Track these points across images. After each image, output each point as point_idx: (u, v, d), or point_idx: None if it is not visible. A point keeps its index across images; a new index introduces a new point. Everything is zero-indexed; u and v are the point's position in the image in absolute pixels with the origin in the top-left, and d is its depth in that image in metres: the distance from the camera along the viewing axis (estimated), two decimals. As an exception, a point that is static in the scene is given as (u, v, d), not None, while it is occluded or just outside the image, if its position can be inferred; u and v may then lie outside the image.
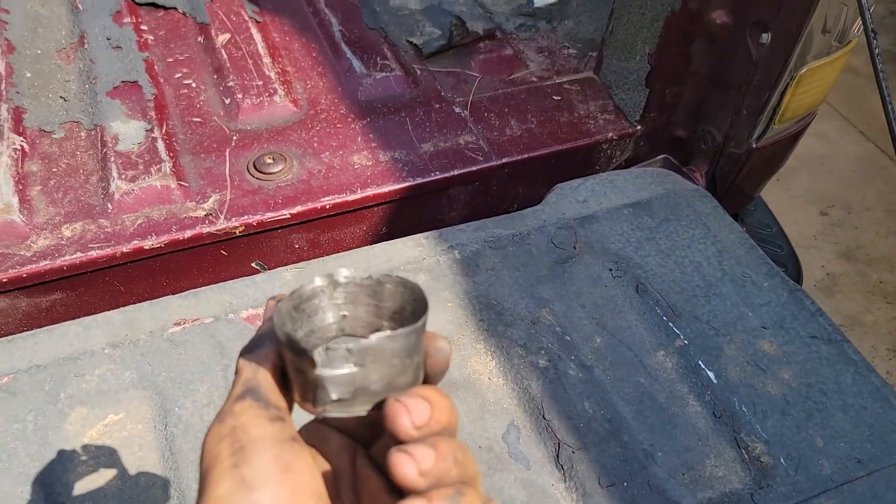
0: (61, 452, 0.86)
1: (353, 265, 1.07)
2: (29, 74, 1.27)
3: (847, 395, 0.96)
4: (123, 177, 1.10)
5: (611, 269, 1.09)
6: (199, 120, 1.23)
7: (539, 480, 0.88)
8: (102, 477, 0.84)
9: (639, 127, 1.29)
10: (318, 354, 0.37)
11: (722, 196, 1.26)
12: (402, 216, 1.21)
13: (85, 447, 0.86)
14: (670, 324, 1.03)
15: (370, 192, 1.14)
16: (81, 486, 0.83)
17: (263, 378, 0.39)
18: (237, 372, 0.40)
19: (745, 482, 0.89)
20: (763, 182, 1.33)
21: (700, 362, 0.99)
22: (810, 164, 3.06)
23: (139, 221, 1.06)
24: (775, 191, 2.94)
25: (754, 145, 1.19)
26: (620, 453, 0.90)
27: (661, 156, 1.34)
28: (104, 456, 0.86)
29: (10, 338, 0.96)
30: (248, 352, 0.41)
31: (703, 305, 1.05)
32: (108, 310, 1.00)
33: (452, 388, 0.95)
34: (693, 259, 1.10)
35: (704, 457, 0.91)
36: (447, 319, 1.02)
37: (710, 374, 0.98)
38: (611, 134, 1.28)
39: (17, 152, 1.13)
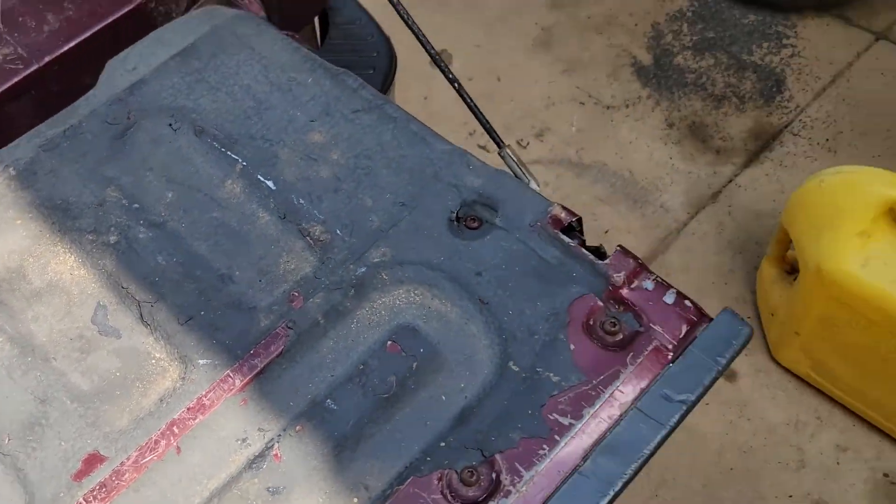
0: None
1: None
2: None
3: (388, 150, 1.04)
4: None
5: (170, 125, 1.10)
6: None
7: (130, 343, 0.93)
8: None
9: (178, -28, 1.27)
10: None
11: (281, 8, 1.27)
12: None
13: None
14: (229, 153, 1.06)
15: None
16: None
17: None
18: None
19: (313, 263, 0.97)
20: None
21: (259, 176, 1.04)
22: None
23: None
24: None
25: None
26: (195, 288, 0.96)
27: (212, -7, 1.32)
28: None
29: None
30: None
31: (256, 123, 1.09)
32: None
33: (37, 297, 0.97)
34: (242, 83, 1.13)
35: (278, 257, 0.98)
36: (21, 236, 1.02)
37: (269, 183, 1.03)
38: (152, -10, 1.25)
39: None
